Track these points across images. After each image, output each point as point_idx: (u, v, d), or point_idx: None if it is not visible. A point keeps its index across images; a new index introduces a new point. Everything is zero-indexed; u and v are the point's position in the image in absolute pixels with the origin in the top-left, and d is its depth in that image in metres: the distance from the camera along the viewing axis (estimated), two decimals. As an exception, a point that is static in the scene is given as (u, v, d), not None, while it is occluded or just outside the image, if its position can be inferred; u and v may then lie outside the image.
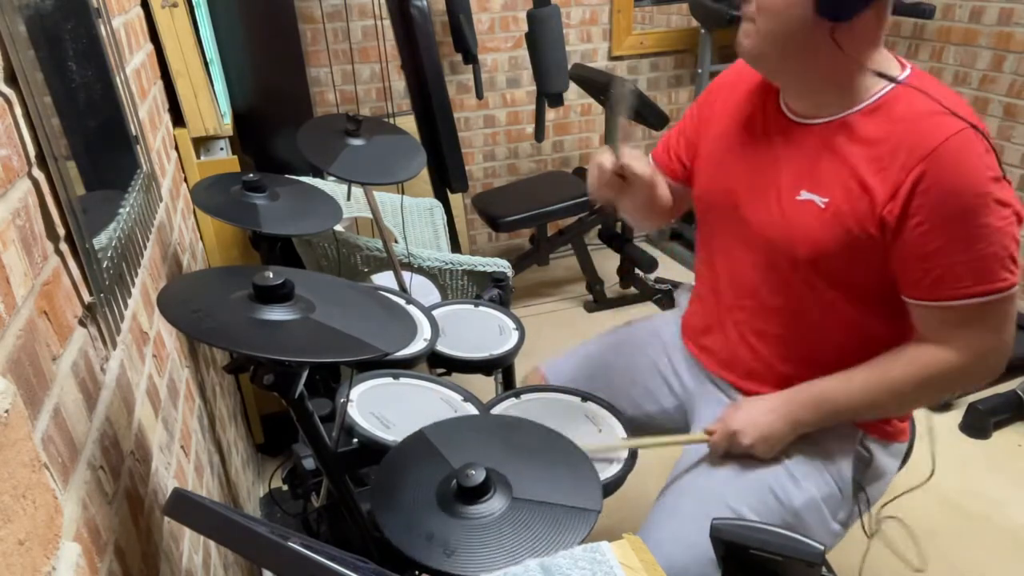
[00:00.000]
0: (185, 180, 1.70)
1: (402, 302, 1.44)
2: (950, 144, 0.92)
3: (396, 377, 1.22)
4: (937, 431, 2.06)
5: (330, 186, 1.88)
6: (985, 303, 0.96)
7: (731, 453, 1.11)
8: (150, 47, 1.58)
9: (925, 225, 0.94)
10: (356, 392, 1.16)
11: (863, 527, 1.18)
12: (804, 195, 1.04)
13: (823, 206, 1.02)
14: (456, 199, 2.79)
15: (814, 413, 1.08)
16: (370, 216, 1.73)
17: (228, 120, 1.80)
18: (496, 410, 1.20)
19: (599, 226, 3.05)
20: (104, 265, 0.80)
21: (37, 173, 0.66)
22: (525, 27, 2.65)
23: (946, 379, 1.02)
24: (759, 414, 1.09)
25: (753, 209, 1.11)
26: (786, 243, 1.06)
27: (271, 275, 0.78)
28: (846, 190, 1.00)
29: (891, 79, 0.99)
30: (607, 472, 1.07)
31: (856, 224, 0.99)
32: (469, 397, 1.19)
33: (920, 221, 0.94)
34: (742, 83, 1.18)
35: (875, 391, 1.05)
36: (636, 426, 1.20)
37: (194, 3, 1.71)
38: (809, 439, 1.12)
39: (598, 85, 2.74)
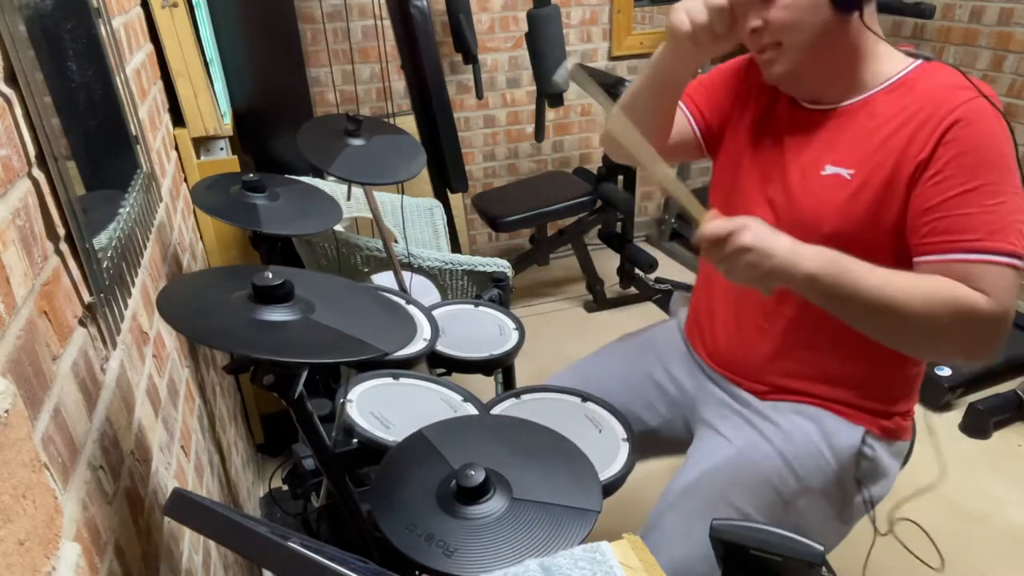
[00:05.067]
0: (185, 180, 1.70)
1: (402, 302, 1.44)
2: (973, 105, 0.94)
3: (396, 377, 1.22)
4: (937, 432, 2.06)
5: (330, 186, 1.88)
6: (993, 263, 0.92)
7: (718, 244, 0.93)
8: (150, 47, 1.58)
9: (942, 174, 0.94)
10: (356, 392, 1.16)
11: (874, 525, 1.18)
12: (829, 169, 1.04)
13: (849, 178, 1.02)
14: (456, 199, 2.79)
15: (824, 271, 0.93)
16: (370, 216, 1.73)
17: (228, 120, 1.80)
18: (496, 410, 1.20)
19: (599, 226, 3.05)
20: (104, 265, 0.79)
21: (37, 173, 0.66)
22: (525, 27, 2.65)
23: (969, 318, 0.92)
24: (774, 233, 0.94)
25: (774, 191, 1.10)
26: (811, 219, 1.04)
27: (271, 275, 0.78)
28: (872, 161, 1.00)
29: (922, 55, 1.02)
30: (607, 472, 1.07)
31: (884, 192, 0.99)
32: (469, 397, 1.19)
33: (937, 171, 0.95)
34: (752, 76, 1.18)
35: (894, 290, 0.93)
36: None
37: (194, 3, 1.71)
38: (812, 437, 1.12)
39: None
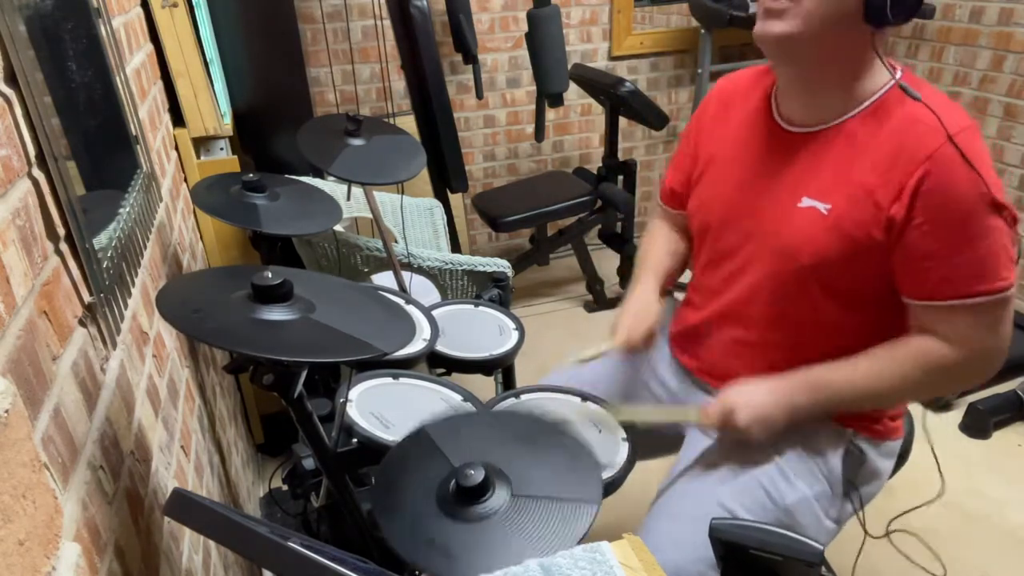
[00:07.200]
0: (185, 180, 1.70)
1: (402, 302, 1.44)
2: (950, 146, 0.93)
3: (396, 377, 1.22)
4: (937, 431, 2.06)
5: (330, 186, 1.88)
6: (985, 303, 0.96)
7: (725, 431, 1.09)
8: (150, 47, 1.58)
9: (927, 226, 0.95)
10: (356, 392, 1.16)
11: (863, 526, 1.18)
12: (806, 202, 1.04)
13: (826, 212, 1.02)
14: (456, 199, 2.79)
15: (812, 398, 1.06)
16: (370, 216, 1.73)
17: (228, 120, 1.80)
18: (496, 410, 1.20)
19: (599, 226, 3.05)
20: (104, 265, 0.80)
21: (37, 173, 0.66)
22: (525, 27, 2.65)
23: (946, 375, 1.02)
24: (757, 394, 1.07)
25: (753, 219, 1.11)
26: (789, 251, 1.06)
27: (271, 275, 0.78)
28: (848, 196, 1.00)
29: (894, 77, 1.01)
30: (607, 472, 1.07)
31: (860, 229, 0.99)
32: (469, 397, 1.19)
33: (922, 222, 0.95)
34: (733, 100, 1.18)
35: (875, 381, 1.04)
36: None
37: (194, 3, 1.71)
38: (800, 438, 1.12)
39: (598, 85, 2.74)
